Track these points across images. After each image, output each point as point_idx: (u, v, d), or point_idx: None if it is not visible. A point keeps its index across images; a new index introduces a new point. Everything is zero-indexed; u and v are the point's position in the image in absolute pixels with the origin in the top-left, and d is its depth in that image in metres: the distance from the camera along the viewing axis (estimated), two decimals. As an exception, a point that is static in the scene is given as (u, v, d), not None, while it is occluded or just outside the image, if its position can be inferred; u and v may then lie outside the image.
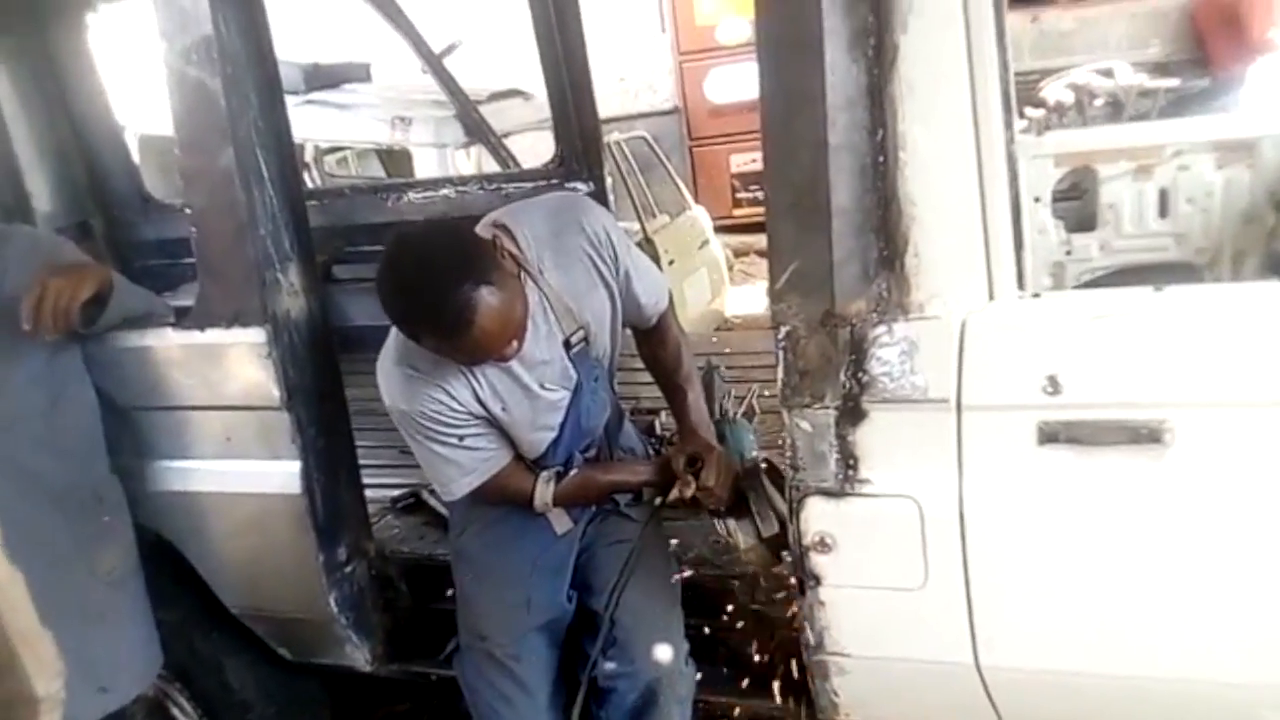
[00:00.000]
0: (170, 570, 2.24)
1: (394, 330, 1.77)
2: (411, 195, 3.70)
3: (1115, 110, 4.92)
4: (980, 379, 1.52)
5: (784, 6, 1.52)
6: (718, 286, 5.45)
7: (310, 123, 5.06)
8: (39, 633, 1.93)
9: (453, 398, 1.77)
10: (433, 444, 1.83)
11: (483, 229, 1.81)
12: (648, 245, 4.76)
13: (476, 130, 4.85)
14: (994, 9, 1.47)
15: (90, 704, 2.05)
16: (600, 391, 1.96)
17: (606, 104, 3.57)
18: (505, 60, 5.99)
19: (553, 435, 1.92)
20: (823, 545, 1.67)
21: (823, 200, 1.54)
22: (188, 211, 2.02)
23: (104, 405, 2.12)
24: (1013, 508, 1.54)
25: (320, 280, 2.20)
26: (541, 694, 1.97)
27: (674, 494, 1.88)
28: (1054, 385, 1.47)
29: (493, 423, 1.84)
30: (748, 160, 7.19)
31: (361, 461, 2.29)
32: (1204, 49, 5.83)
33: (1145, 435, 1.45)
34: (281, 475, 2.09)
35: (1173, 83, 5.05)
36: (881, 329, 1.55)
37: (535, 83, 5.13)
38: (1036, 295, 1.55)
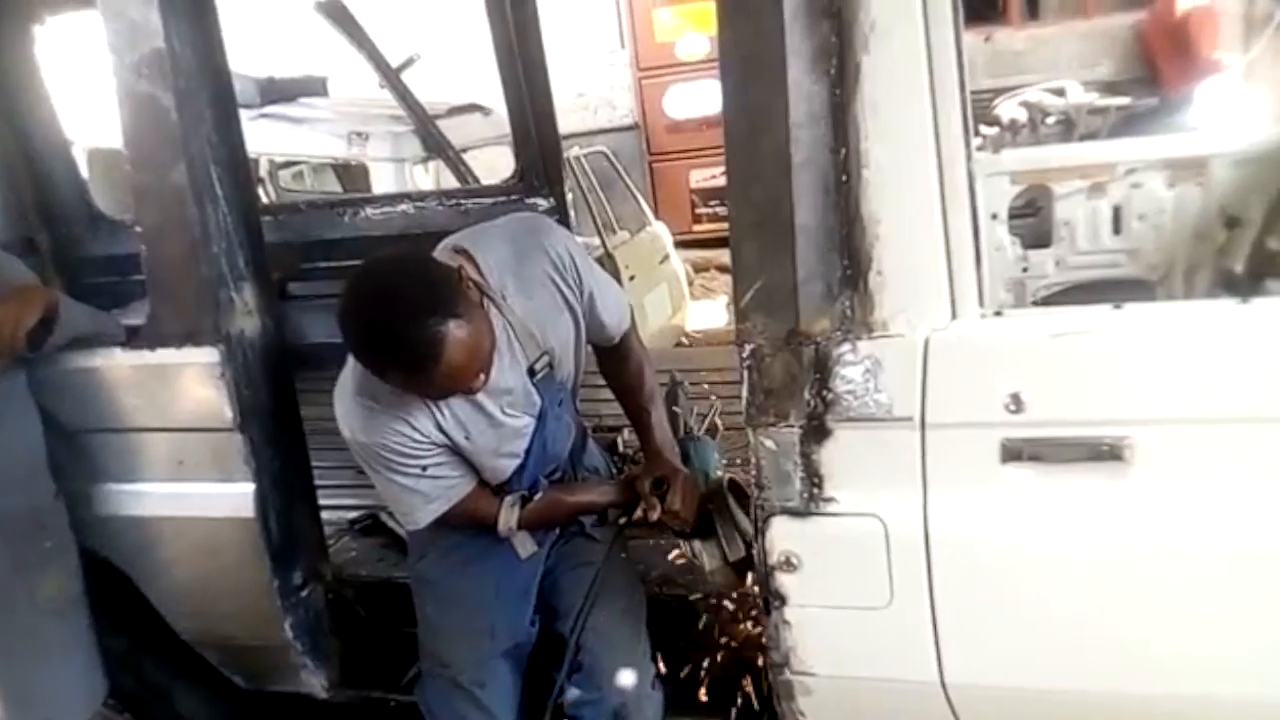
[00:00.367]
0: (119, 597, 2.17)
1: (352, 360, 1.73)
2: (369, 211, 3.65)
3: (1067, 128, 5.03)
4: (944, 397, 1.52)
5: (746, 25, 1.51)
6: (678, 302, 5.46)
7: (265, 137, 5.00)
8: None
9: (414, 429, 1.73)
10: (394, 475, 1.79)
11: (442, 254, 1.77)
12: (608, 261, 4.75)
13: (435, 145, 4.82)
14: (954, 29, 1.48)
15: (33, 735, 1.99)
16: (565, 416, 1.94)
17: (566, 120, 3.56)
18: (464, 75, 5.97)
19: (517, 462, 1.89)
20: (788, 564, 1.66)
21: (786, 219, 1.53)
22: (139, 229, 1.97)
23: (50, 427, 2.06)
24: (977, 526, 1.54)
25: (275, 298, 2.15)
26: None
27: (638, 516, 1.86)
28: (1017, 403, 1.47)
29: (456, 450, 1.82)
30: (707, 176, 7.23)
31: (318, 482, 2.25)
32: (1153, 69, 5.97)
33: (1107, 453, 1.45)
34: (235, 498, 2.04)
35: (1123, 101, 5.17)
36: (845, 347, 1.55)
37: (494, 97, 5.13)
38: (999, 313, 1.56)
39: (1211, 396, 1.42)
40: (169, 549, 2.14)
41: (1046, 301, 2.92)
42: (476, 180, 4.67)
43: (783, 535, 1.65)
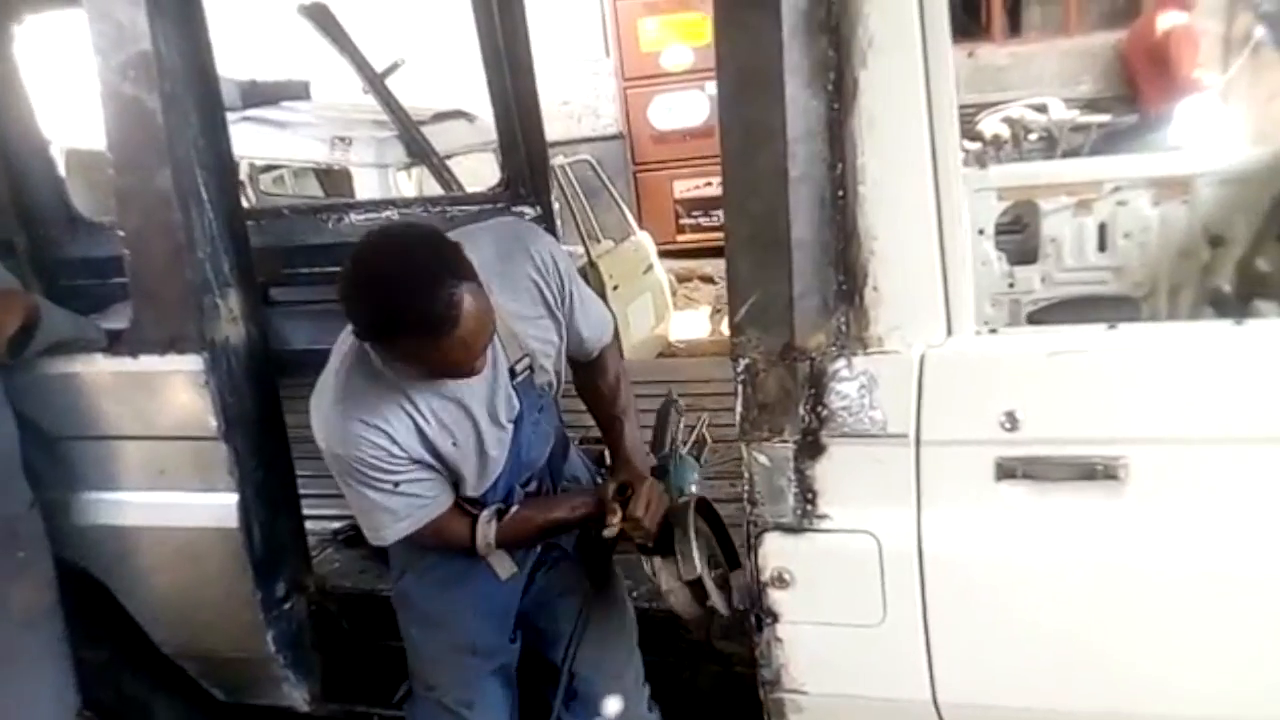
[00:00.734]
0: (96, 607, 2.13)
1: (332, 369, 1.68)
2: (353, 217, 3.62)
3: (1049, 144, 5.08)
4: (939, 414, 1.51)
5: (744, 39, 1.51)
6: (661, 312, 5.46)
7: (246, 141, 4.94)
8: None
9: (394, 441, 1.66)
10: (366, 489, 1.71)
11: None
12: (592, 270, 4.74)
13: (419, 151, 4.79)
14: (948, 45, 1.48)
15: (2, 750, 1.94)
16: (543, 423, 1.90)
17: (550, 128, 3.55)
18: (448, 81, 5.95)
19: (500, 468, 1.84)
20: (780, 581, 1.65)
21: (782, 233, 1.53)
22: (122, 233, 1.94)
23: (29, 434, 2.02)
24: (971, 543, 1.54)
25: (260, 305, 2.12)
26: None
27: (606, 529, 1.79)
28: (1012, 421, 1.47)
29: (434, 466, 1.74)
30: (691, 186, 7.24)
31: (301, 492, 2.22)
32: (1133, 87, 6.04)
33: (1101, 472, 1.45)
34: (217, 508, 2.01)
35: (1104, 118, 5.23)
36: (841, 363, 1.54)
37: (479, 104, 5.11)
38: (994, 331, 1.56)
39: (1206, 417, 1.42)
40: (149, 559, 2.10)
41: (1031, 318, 2.94)
42: (460, 187, 4.65)
43: (775, 551, 1.64)
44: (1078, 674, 1.53)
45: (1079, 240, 2.88)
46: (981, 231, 2.91)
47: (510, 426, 1.79)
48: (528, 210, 3.34)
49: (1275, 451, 1.40)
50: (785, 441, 1.60)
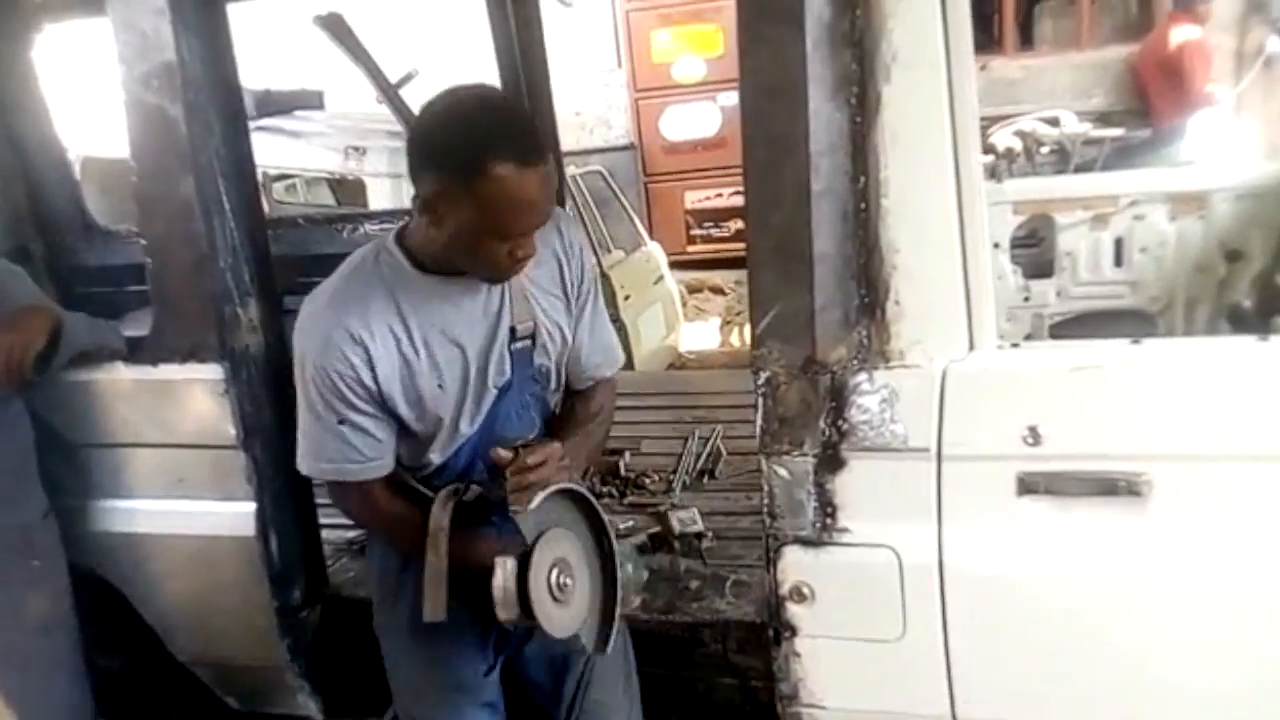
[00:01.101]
0: (113, 615, 2.13)
1: (338, 273, 1.58)
2: (368, 226, 3.63)
3: (1061, 158, 5.07)
4: (960, 428, 1.51)
5: (768, 53, 1.51)
6: (672, 322, 5.45)
7: (261, 150, 4.96)
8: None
9: (370, 367, 1.52)
10: (311, 412, 1.58)
11: None
12: (603, 280, 4.75)
13: (432, 161, 4.79)
14: (970, 60, 1.49)
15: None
16: (531, 410, 1.72)
17: (562, 138, 3.56)
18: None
19: (472, 431, 1.66)
20: (799, 595, 1.65)
21: (805, 246, 1.53)
22: (143, 242, 1.95)
23: (47, 441, 2.03)
24: (992, 559, 1.53)
25: (280, 314, 2.13)
26: None
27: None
28: (1034, 436, 1.47)
29: (397, 415, 1.58)
30: (702, 197, 7.24)
31: (318, 501, 2.21)
32: (1145, 100, 6.03)
33: (1124, 488, 1.45)
34: (235, 517, 2.01)
35: (1116, 132, 5.22)
36: (862, 376, 1.54)
37: (493, 115, 5.09)
38: (1016, 345, 1.56)
39: (1229, 433, 1.41)
40: (166, 567, 2.10)
41: (1052, 332, 2.93)
42: (473, 197, 4.65)
43: (794, 565, 1.64)
44: (1098, 691, 1.52)
45: (1095, 254, 2.88)
46: (997, 245, 2.91)
47: (495, 392, 1.66)
48: (542, 221, 3.34)
49: (1300, 469, 1.39)
50: (805, 455, 1.60)
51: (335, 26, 4.63)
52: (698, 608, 2.07)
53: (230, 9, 2.00)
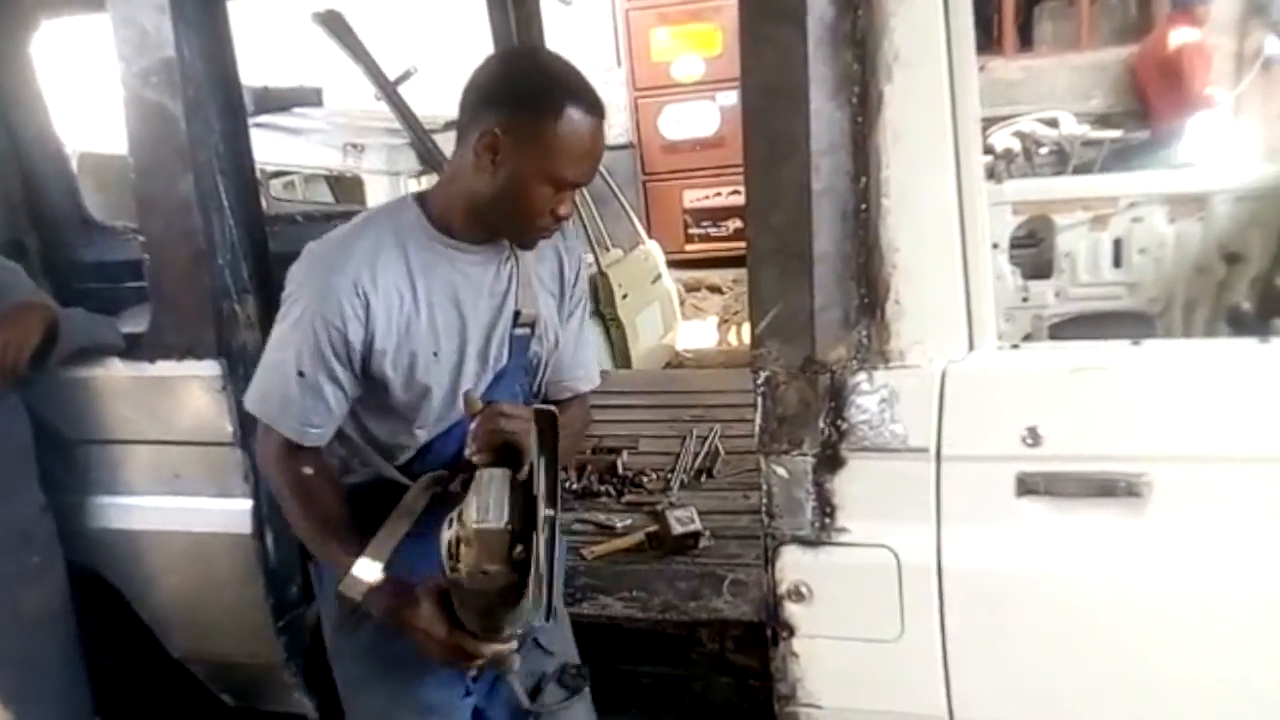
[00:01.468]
0: (109, 611, 2.13)
1: (355, 224, 1.53)
2: (366, 223, 3.62)
3: (1060, 159, 5.07)
4: (960, 429, 1.51)
5: (770, 52, 1.51)
6: (670, 321, 5.45)
7: (259, 146, 4.94)
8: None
9: (365, 323, 1.46)
10: (283, 352, 1.49)
11: None
12: (601, 279, 4.74)
13: (431, 159, 4.79)
14: (972, 59, 1.48)
15: (17, 756, 1.94)
16: (521, 402, 1.63)
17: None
18: (461, 89, 5.96)
19: (458, 416, 1.57)
20: (797, 595, 1.64)
21: (805, 246, 1.53)
22: (142, 238, 1.94)
23: (44, 437, 2.02)
24: (990, 559, 1.53)
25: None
26: None
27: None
28: (1034, 437, 1.47)
29: (377, 377, 1.51)
30: (700, 196, 7.25)
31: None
32: (1144, 102, 6.03)
33: (1124, 489, 1.45)
34: (231, 514, 2.00)
35: (1114, 134, 5.23)
36: (862, 376, 1.54)
37: (491, 113, 5.08)
38: (1016, 346, 1.56)
39: (1229, 435, 1.41)
40: (162, 564, 2.10)
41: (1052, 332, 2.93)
42: (472, 195, 4.64)
43: (793, 565, 1.63)
44: (1097, 692, 1.52)
45: (1094, 255, 2.88)
46: (996, 246, 2.91)
47: (490, 376, 1.61)
48: (541, 219, 3.33)
49: (1300, 471, 1.39)
50: (804, 454, 1.59)
51: (334, 23, 4.63)
52: (695, 607, 2.07)
53: (230, 5, 1.99)
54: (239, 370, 1.96)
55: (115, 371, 2.01)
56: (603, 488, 2.69)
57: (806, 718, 1.70)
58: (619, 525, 2.47)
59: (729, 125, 6.88)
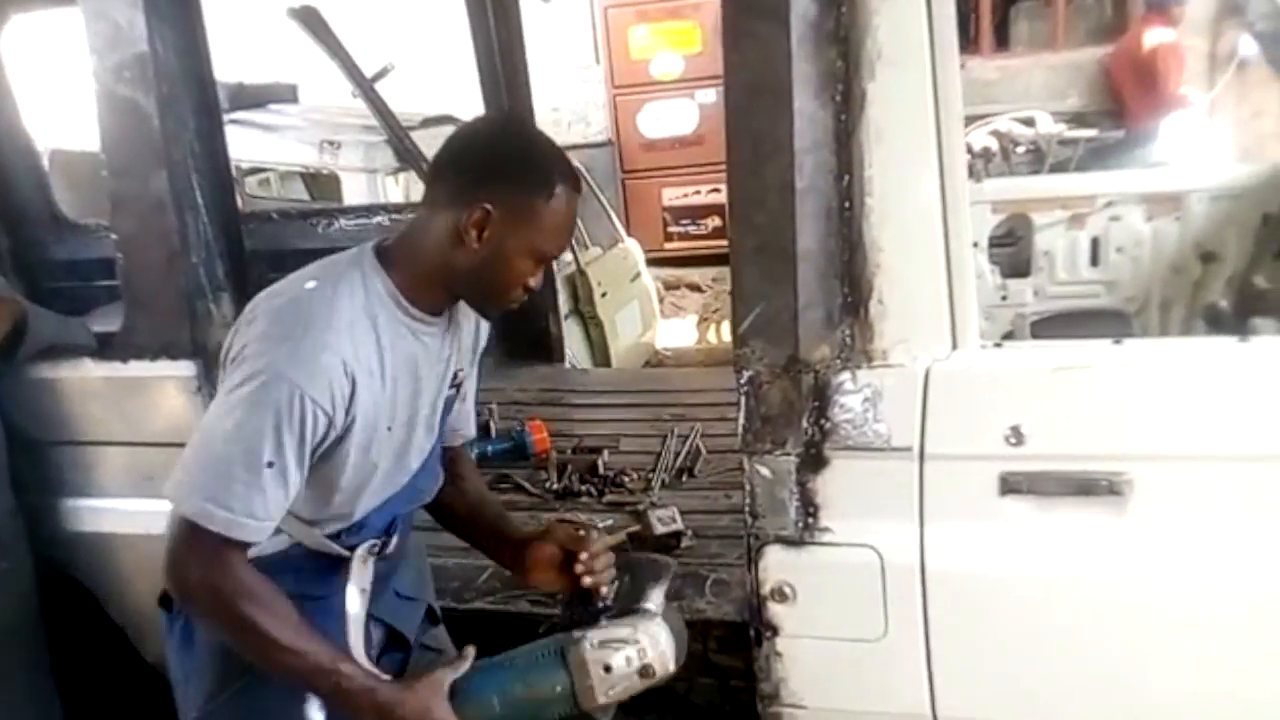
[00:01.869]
0: (82, 615, 2.09)
1: (329, 293, 1.37)
2: (343, 221, 3.59)
3: (1037, 158, 5.11)
4: (943, 428, 1.51)
5: (753, 49, 1.50)
6: (649, 319, 5.44)
7: (233, 143, 4.89)
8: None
9: (348, 405, 1.34)
10: (242, 439, 1.29)
11: None
12: (580, 277, 4.72)
13: (408, 156, 4.75)
14: (955, 58, 1.48)
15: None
16: (437, 464, 1.64)
17: (542, 134, 3.54)
18: (438, 86, 5.92)
19: (405, 481, 1.53)
20: (781, 595, 1.64)
21: (788, 244, 1.52)
22: (114, 236, 1.91)
23: (15, 439, 1.99)
24: (974, 558, 1.53)
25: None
26: None
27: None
28: (1017, 436, 1.47)
29: (345, 460, 1.39)
30: (680, 194, 7.24)
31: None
32: (1119, 102, 6.08)
33: (1105, 488, 1.45)
34: (207, 516, 1.97)
35: (1090, 133, 5.27)
36: (845, 376, 1.53)
37: (469, 110, 5.06)
38: (999, 345, 1.56)
39: (1210, 434, 1.42)
40: (136, 566, 2.06)
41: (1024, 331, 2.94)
42: (450, 193, 4.62)
43: (776, 565, 1.63)
44: (1079, 690, 1.52)
45: (1072, 254, 2.90)
46: (975, 244, 2.92)
47: (431, 441, 1.56)
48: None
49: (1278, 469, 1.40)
50: (788, 454, 1.59)
51: (309, 19, 4.58)
52: (677, 607, 2.06)
53: (204, 0, 1.96)
54: (214, 371, 1.92)
55: (87, 372, 1.98)
56: (583, 487, 2.67)
57: (789, 717, 1.70)
58: (600, 525, 2.46)
59: (708, 123, 6.88)
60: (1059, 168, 4.83)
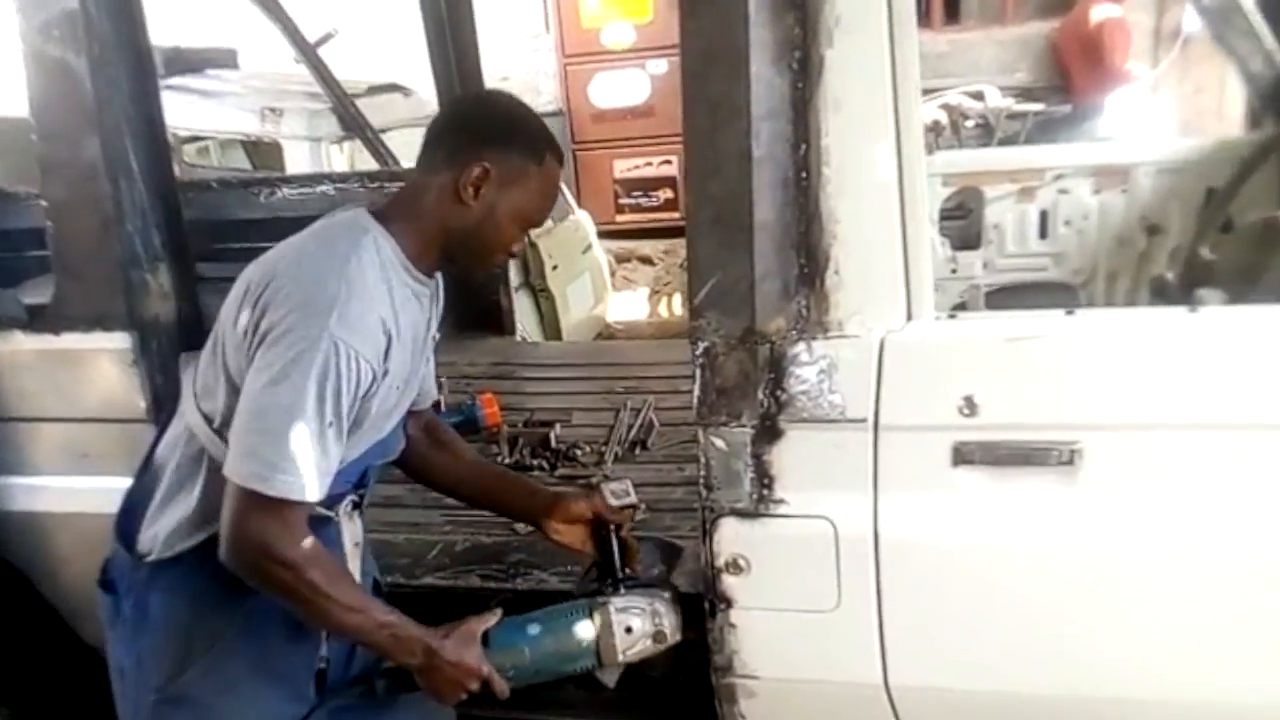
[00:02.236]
0: (18, 600, 2.03)
1: (353, 254, 1.40)
2: (286, 191, 3.51)
3: (986, 132, 5.15)
4: (898, 399, 1.51)
5: (710, 15, 1.47)
6: (600, 292, 5.40)
7: (171, 110, 4.75)
8: None
9: (385, 363, 1.41)
10: (300, 405, 1.32)
11: None
12: (531, 250, 4.67)
13: (353, 124, 4.66)
14: (913, 26, 1.47)
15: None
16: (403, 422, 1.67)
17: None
18: (384, 53, 5.79)
19: (381, 437, 1.56)
20: (735, 567, 1.63)
21: (745, 214, 1.50)
22: (44, 204, 1.84)
23: (-59, 416, 1.91)
24: (927, 529, 1.54)
25: (194, 281, 2.03)
26: None
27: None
28: (970, 406, 1.47)
29: (360, 422, 1.45)
30: (631, 166, 7.17)
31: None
32: (1066, 76, 6.15)
33: (1057, 457, 1.46)
34: (146, 493, 1.91)
35: (1037, 107, 5.32)
36: (801, 347, 1.52)
37: (415, 78, 4.96)
38: (953, 316, 1.56)
39: (1159, 403, 1.43)
40: (70, 547, 2.00)
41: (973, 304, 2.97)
42: (396, 162, 4.54)
43: (730, 537, 1.62)
44: (1031, 658, 1.54)
45: (1021, 227, 2.91)
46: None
47: (407, 405, 1.62)
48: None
49: (1227, 437, 1.42)
50: (743, 426, 1.58)
51: (250, -19, 4.45)
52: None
53: (137, -44, 1.88)
54: (151, 343, 1.87)
55: (17, 345, 1.91)
56: (536, 461, 2.65)
57: (743, 688, 1.70)
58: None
59: (660, 94, 6.81)
60: (1008, 141, 4.87)
